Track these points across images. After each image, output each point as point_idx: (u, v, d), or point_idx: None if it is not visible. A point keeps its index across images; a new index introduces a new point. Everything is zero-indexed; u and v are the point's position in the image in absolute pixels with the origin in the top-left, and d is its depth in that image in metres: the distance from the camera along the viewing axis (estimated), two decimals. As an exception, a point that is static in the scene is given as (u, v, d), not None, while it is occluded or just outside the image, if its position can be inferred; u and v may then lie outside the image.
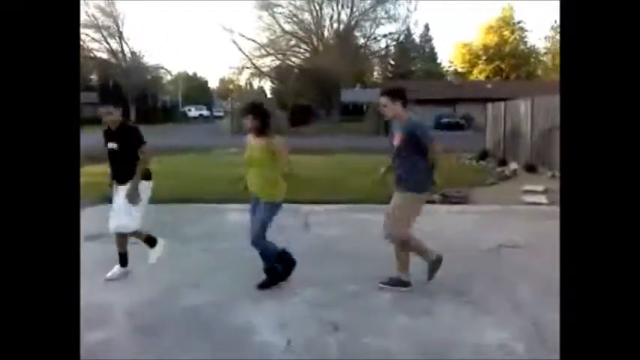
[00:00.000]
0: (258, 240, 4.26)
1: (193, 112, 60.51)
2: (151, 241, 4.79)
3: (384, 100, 4.19)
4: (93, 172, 10.66)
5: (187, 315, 3.90)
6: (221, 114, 60.23)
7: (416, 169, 4.13)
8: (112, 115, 4.46)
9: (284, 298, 4.14)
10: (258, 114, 4.26)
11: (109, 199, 4.77)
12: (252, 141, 4.35)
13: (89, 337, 3.52)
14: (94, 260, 5.20)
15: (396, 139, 4.17)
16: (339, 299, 4.15)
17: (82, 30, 50.38)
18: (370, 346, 3.36)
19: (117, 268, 4.69)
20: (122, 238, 4.68)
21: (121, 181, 4.55)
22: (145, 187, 4.57)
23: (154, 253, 4.77)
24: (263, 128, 4.26)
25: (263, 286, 4.32)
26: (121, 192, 4.54)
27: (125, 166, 4.50)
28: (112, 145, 4.50)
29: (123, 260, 4.71)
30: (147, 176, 4.60)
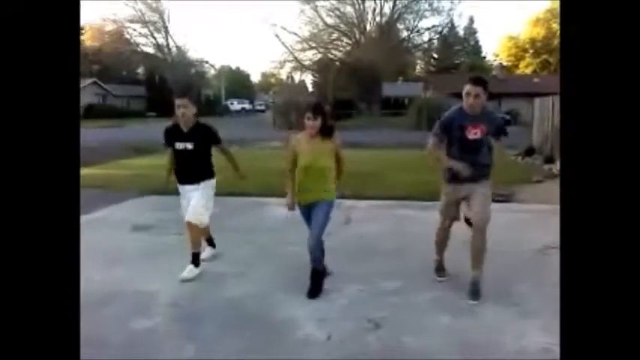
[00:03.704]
0: (320, 242, 4.12)
1: (235, 105, 61.36)
2: (211, 242, 4.94)
3: (478, 89, 3.90)
4: (140, 165, 10.98)
5: (230, 306, 3.98)
6: (262, 108, 60.87)
7: (489, 160, 4.11)
8: (188, 109, 4.41)
9: (326, 294, 4.16)
10: (322, 114, 4.05)
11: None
12: (309, 143, 4.09)
13: (135, 324, 3.65)
14: (140, 250, 5.37)
15: (478, 132, 3.97)
16: (380, 296, 4.14)
17: (129, 25, 52.12)
18: (411, 345, 3.34)
19: (190, 268, 4.57)
20: (197, 235, 4.61)
21: (195, 181, 4.55)
22: (212, 185, 4.67)
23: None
24: (329, 130, 4.09)
25: (313, 293, 4.13)
26: (196, 192, 4.53)
27: (201, 166, 4.56)
28: (185, 144, 4.46)
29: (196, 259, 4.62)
30: (212, 175, 4.68)
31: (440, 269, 4.56)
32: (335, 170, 4.16)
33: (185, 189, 4.62)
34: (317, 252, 4.13)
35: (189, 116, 4.46)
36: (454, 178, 4.09)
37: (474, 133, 3.97)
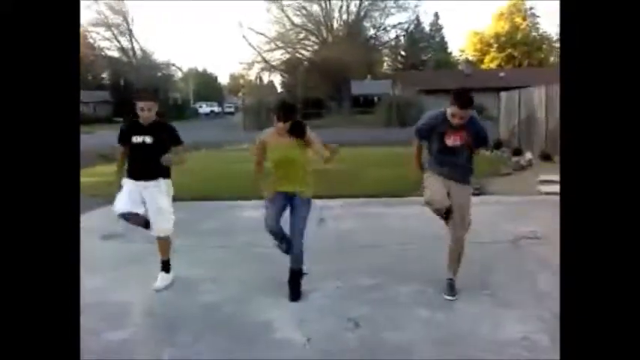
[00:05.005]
0: (302, 241, 4.09)
1: (204, 108, 60.81)
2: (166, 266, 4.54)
3: (464, 112, 3.78)
4: (109, 172, 10.74)
5: (206, 311, 3.91)
6: (232, 110, 60.46)
7: (470, 164, 4.08)
8: (151, 112, 4.24)
9: (303, 293, 4.11)
10: (292, 116, 3.97)
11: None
12: (280, 139, 4.02)
13: (109, 335, 3.55)
14: (111, 259, 5.25)
15: (457, 139, 3.90)
16: (358, 293, 4.13)
17: (92, 28, 50.85)
18: (391, 341, 3.33)
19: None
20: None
21: (151, 177, 4.27)
22: (169, 185, 4.40)
23: (165, 280, 4.46)
24: (300, 130, 3.98)
25: (296, 295, 4.07)
26: (155, 191, 4.28)
27: (158, 162, 4.19)
28: (143, 138, 4.23)
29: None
30: (168, 174, 4.38)
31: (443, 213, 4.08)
32: (308, 163, 4.13)
33: (137, 185, 4.28)
34: (299, 250, 4.09)
35: (152, 118, 4.28)
36: (437, 171, 4.07)
37: (452, 140, 3.91)
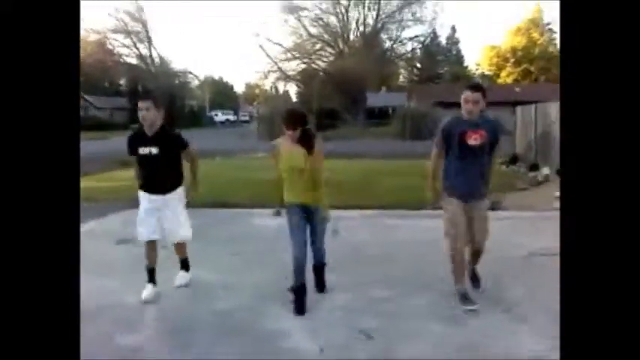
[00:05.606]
0: (321, 236, 4.24)
1: (220, 116, 61.45)
2: (186, 265, 4.72)
3: (477, 95, 3.83)
4: (124, 177, 10.85)
5: (219, 318, 3.92)
6: (247, 118, 60.92)
7: (487, 174, 4.07)
8: (149, 112, 4.14)
9: (315, 304, 4.12)
10: (300, 123, 3.96)
11: None
12: (292, 148, 3.99)
13: (122, 340, 3.57)
14: (126, 263, 5.28)
15: (478, 138, 3.86)
16: (371, 305, 4.11)
17: (112, 35, 51.81)
18: (402, 354, 3.31)
19: (150, 288, 4.35)
20: (154, 251, 4.42)
21: (166, 190, 4.28)
22: (182, 193, 4.43)
23: (185, 278, 4.66)
24: (308, 141, 3.98)
25: (321, 287, 4.40)
26: (173, 204, 4.32)
27: (170, 172, 4.26)
28: (149, 149, 4.18)
29: (152, 277, 4.43)
30: (181, 181, 4.40)
31: (465, 298, 4.01)
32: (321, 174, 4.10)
33: (152, 199, 4.30)
34: (321, 246, 4.28)
35: (152, 119, 4.18)
36: (454, 192, 4.03)
37: (474, 139, 3.87)
